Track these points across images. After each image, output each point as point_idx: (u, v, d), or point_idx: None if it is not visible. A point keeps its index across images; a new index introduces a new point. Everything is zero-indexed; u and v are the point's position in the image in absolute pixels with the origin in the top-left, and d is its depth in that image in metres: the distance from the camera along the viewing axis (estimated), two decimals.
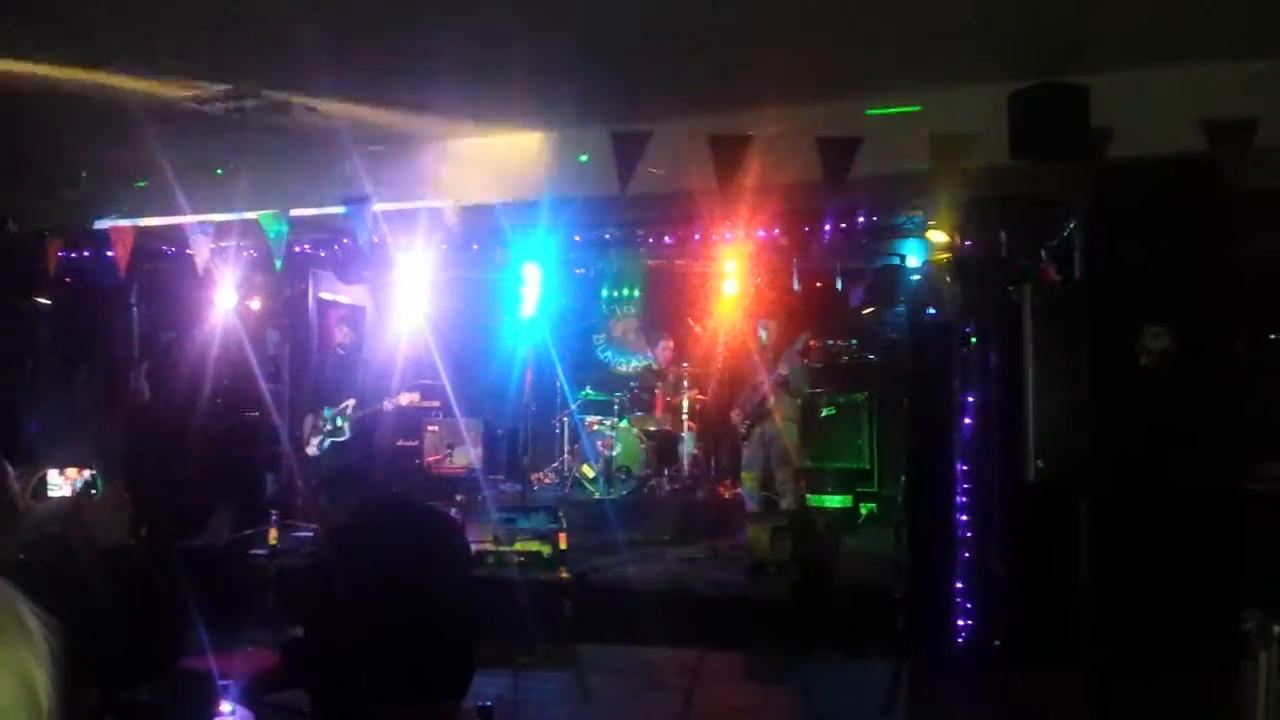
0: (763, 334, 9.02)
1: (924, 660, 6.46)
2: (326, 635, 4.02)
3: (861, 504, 10.07)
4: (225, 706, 3.96)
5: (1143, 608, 4.85)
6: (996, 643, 6.27)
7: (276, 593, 7.54)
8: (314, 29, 5.26)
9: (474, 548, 8.04)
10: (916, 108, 6.02)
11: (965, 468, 6.46)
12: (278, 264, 7.75)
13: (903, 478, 7.71)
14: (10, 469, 2.74)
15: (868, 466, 10.27)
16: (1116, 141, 5.33)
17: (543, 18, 5.16)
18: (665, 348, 11.08)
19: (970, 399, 6.41)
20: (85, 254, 8.84)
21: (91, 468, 6.45)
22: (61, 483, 6.18)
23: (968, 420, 6.43)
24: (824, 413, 10.12)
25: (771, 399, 8.79)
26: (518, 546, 8.16)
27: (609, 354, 11.98)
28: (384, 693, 3.85)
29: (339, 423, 9.19)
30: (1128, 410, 5.01)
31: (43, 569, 3.02)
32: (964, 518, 6.48)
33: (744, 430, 9.13)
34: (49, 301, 9.37)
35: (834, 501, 9.92)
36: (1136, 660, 4.86)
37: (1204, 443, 4.79)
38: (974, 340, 6.35)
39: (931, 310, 6.79)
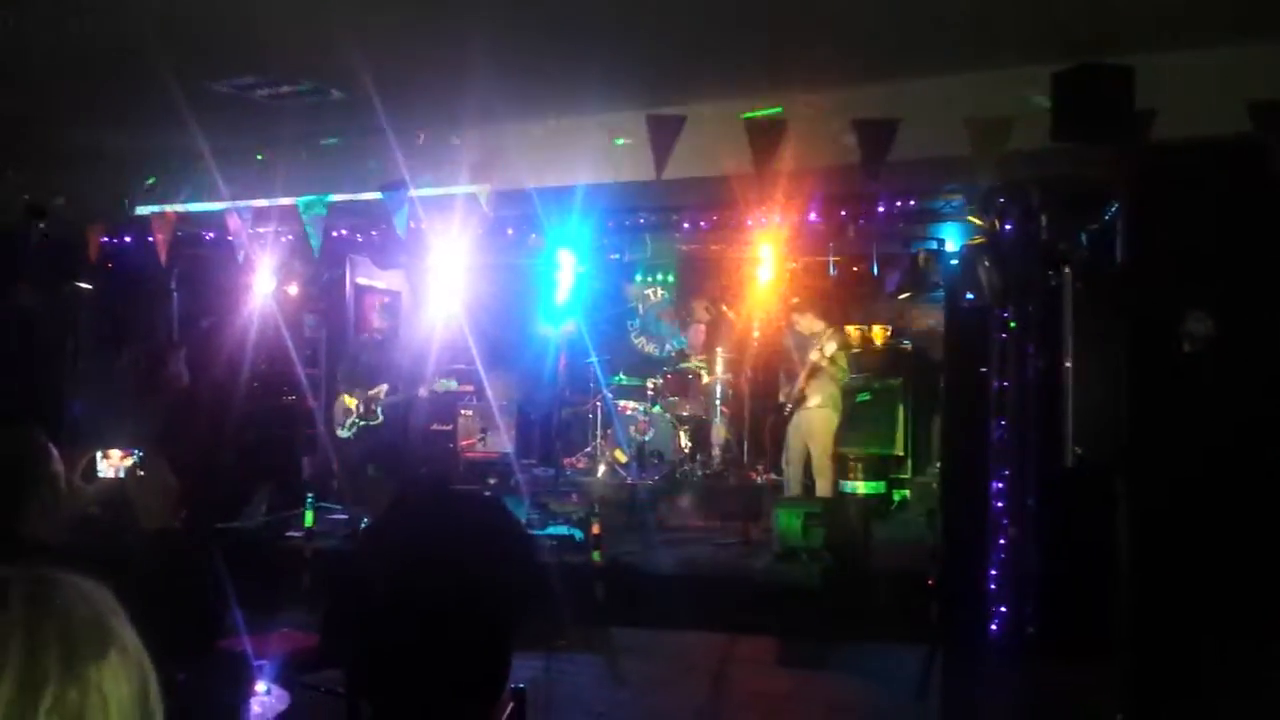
0: (817, 325, 8.90)
1: (958, 648, 6.43)
2: (363, 616, 4.03)
3: (895, 490, 10.02)
4: (261, 686, 4.00)
5: (1182, 597, 4.80)
6: (1031, 630, 6.22)
7: (312, 574, 7.62)
8: (352, 16, 5.28)
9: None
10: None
11: (1001, 454, 6.40)
12: (315, 248, 7.81)
13: (937, 464, 7.67)
14: (55, 451, 2.77)
15: (901, 453, 10.21)
16: (1161, 123, 5.24)
17: (578, 3, 5.14)
18: (698, 332, 11.05)
19: (1007, 385, 6.35)
20: (126, 240, 8.94)
21: (136, 449, 6.52)
22: (107, 465, 6.24)
23: (1004, 406, 6.38)
24: (859, 398, 10.06)
25: (814, 384, 8.74)
26: (551, 530, 8.19)
27: (642, 339, 11.98)
28: (419, 685, 3.84)
29: (358, 409, 9.24)
30: (1169, 396, 4.95)
31: (85, 551, 3.05)
32: (999, 504, 6.43)
33: (787, 414, 9.09)
34: (90, 287, 9.49)
35: (867, 488, 9.87)
36: (1174, 650, 4.81)
37: (1247, 429, 4.72)
38: (1012, 325, 6.28)
39: (969, 295, 6.72)
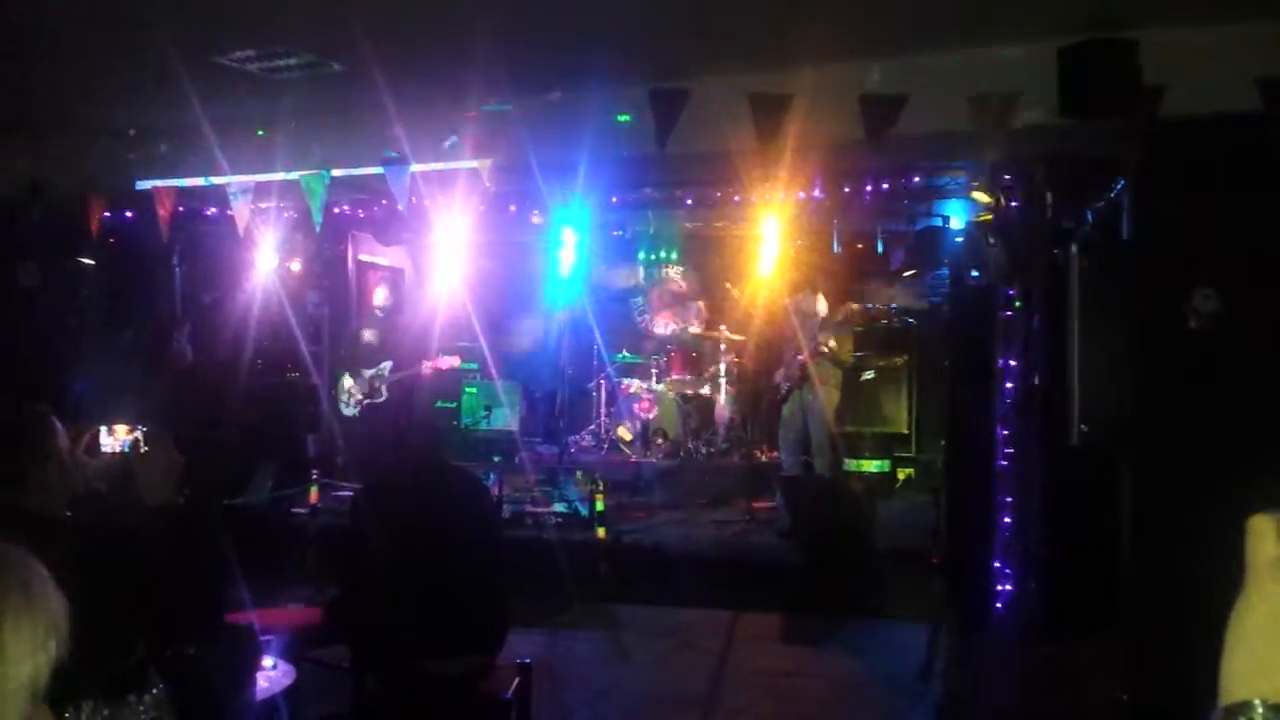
0: (820, 304, 8.87)
1: (962, 626, 6.44)
2: (363, 590, 4.09)
3: (899, 468, 10.02)
4: (268, 661, 4.01)
5: (1186, 575, 4.80)
6: (1034, 608, 6.23)
7: (317, 550, 7.64)
8: None
9: (511, 509, 8.13)
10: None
11: (1006, 432, 6.39)
12: (317, 221, 7.79)
13: (942, 442, 7.66)
14: (59, 425, 2.77)
15: (906, 431, 10.21)
16: (1168, 99, 5.20)
17: None
18: (699, 310, 11.04)
19: (1012, 362, 6.34)
20: (128, 215, 8.91)
21: (140, 426, 6.53)
22: (112, 441, 6.26)
23: (1009, 384, 6.36)
24: (863, 376, 10.05)
25: (813, 365, 8.72)
26: (555, 508, 8.20)
27: (645, 316, 11.96)
28: (421, 646, 3.90)
29: (362, 386, 9.23)
30: (1175, 374, 4.93)
31: (89, 526, 3.05)
32: (1004, 482, 6.42)
33: (784, 393, 9.09)
34: (92, 262, 9.47)
35: (872, 466, 9.88)
36: (1177, 628, 4.81)
37: (1254, 407, 4.71)
38: (1017, 303, 6.26)
39: (974, 273, 6.70)
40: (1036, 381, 6.19)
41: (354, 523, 4.39)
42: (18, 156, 8.24)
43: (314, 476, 8.37)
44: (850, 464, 9.44)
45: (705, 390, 10.72)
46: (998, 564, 6.37)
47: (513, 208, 8.70)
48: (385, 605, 3.93)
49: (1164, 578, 4.98)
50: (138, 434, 3.81)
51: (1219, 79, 5.14)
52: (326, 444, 9.92)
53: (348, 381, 9.39)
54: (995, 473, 6.40)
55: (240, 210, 7.93)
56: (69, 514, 2.90)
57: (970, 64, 5.75)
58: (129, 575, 2.56)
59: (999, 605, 6.33)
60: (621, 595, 7.32)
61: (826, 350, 8.56)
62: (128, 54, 6.27)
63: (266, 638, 4.09)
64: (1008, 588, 6.35)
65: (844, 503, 7.84)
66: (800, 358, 8.75)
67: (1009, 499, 6.34)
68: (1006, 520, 6.36)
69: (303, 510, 8.27)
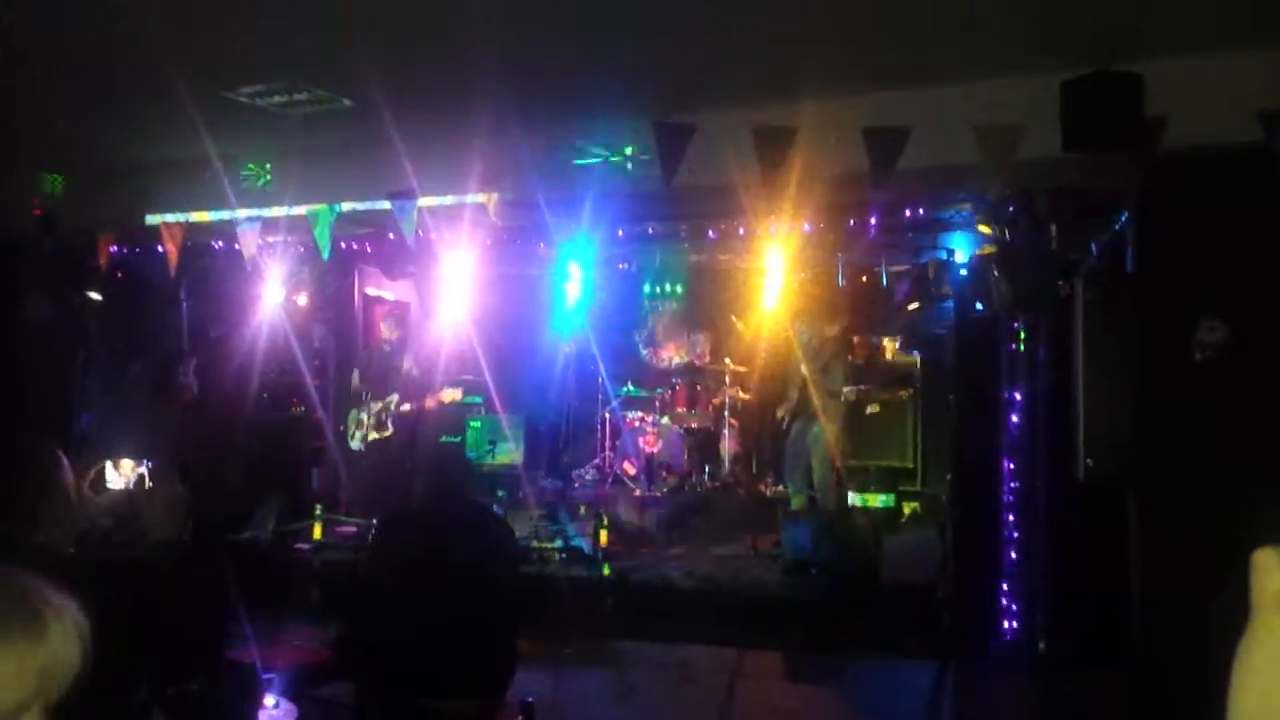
0: (805, 335, 8.94)
1: (969, 661, 6.39)
2: (372, 627, 4.06)
3: (905, 502, 9.97)
4: (269, 700, 3.98)
5: (1194, 609, 4.76)
6: (1042, 644, 6.19)
7: (320, 587, 7.60)
8: (362, 25, 5.29)
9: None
10: None
11: (1012, 466, 6.38)
12: (325, 255, 7.83)
13: (948, 476, 7.63)
14: (65, 460, 2.76)
15: (911, 465, 10.16)
16: (1171, 132, 5.22)
17: (586, 11, 5.15)
18: (703, 341, 11.04)
19: (1018, 396, 6.33)
20: (136, 249, 8.95)
21: (145, 461, 6.55)
22: (117, 476, 6.27)
23: (1015, 417, 6.35)
24: (868, 410, 10.02)
25: (814, 398, 8.72)
26: (559, 543, 8.16)
27: (649, 350, 11.96)
28: (426, 685, 3.88)
29: (368, 420, 9.22)
30: (1181, 406, 4.92)
31: (93, 562, 3.05)
32: (1010, 517, 6.40)
33: (786, 427, 9.07)
34: (100, 296, 9.50)
35: (877, 500, 9.83)
36: (1185, 664, 4.77)
37: (1262, 438, 4.69)
38: (1023, 336, 6.26)
39: (979, 305, 6.70)
40: (1042, 414, 6.18)
41: (369, 556, 4.36)
42: (28, 191, 8.30)
43: (318, 512, 8.34)
44: (855, 498, 9.39)
45: (710, 424, 10.69)
46: (1004, 599, 6.33)
47: (519, 241, 8.74)
48: (393, 642, 3.91)
49: (1172, 611, 4.95)
50: (142, 469, 3.82)
51: (1221, 111, 5.16)
52: (331, 479, 9.90)
53: (360, 415, 9.38)
54: (1002, 506, 6.37)
55: (248, 244, 7.97)
56: (74, 550, 2.90)
57: (974, 97, 5.78)
58: (132, 611, 2.55)
59: (1006, 640, 6.29)
60: (625, 631, 7.26)
61: (815, 381, 8.56)
62: (139, 89, 6.33)
63: (268, 675, 4.07)
64: (1014, 623, 6.31)
65: (849, 537, 7.80)
66: (797, 391, 8.76)
67: (1015, 533, 6.31)
68: (1013, 555, 6.33)
69: (306, 546, 8.24)
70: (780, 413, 9.14)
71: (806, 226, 7.53)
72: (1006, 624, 6.31)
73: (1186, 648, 4.76)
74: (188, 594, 3.08)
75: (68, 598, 1.33)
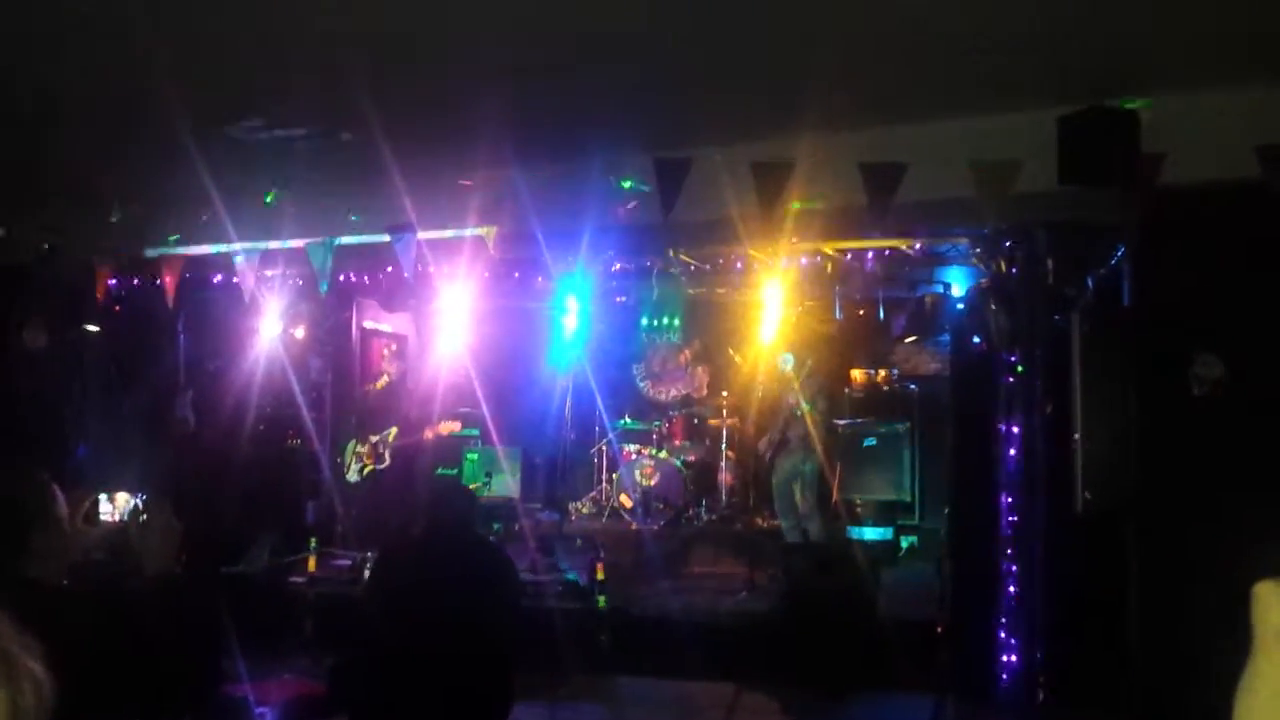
0: (788, 364, 8.96)
1: (967, 696, 6.35)
2: (368, 659, 4.03)
3: (902, 536, 9.94)
4: None
5: (1193, 642, 4.74)
6: (1040, 678, 6.15)
7: (315, 620, 7.55)
8: (361, 61, 5.32)
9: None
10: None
11: (1010, 499, 6.36)
12: (323, 288, 7.84)
13: (945, 510, 7.62)
14: (59, 493, 2.75)
15: (909, 498, 10.14)
16: (1168, 167, 5.25)
17: (585, 48, 5.19)
18: (700, 373, 11.05)
19: (1015, 429, 6.32)
20: (134, 282, 8.96)
21: (140, 493, 6.51)
22: (112, 509, 6.23)
23: (1013, 451, 6.34)
24: (865, 443, 10.01)
25: (804, 430, 8.71)
26: (555, 576, 8.12)
27: (647, 382, 11.96)
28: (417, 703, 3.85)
29: (366, 453, 9.20)
30: (1179, 441, 4.92)
31: (86, 595, 3.02)
32: (1009, 551, 6.37)
33: (768, 461, 9.08)
34: (97, 329, 9.50)
35: (874, 533, 9.80)
36: (1186, 697, 4.74)
37: (1260, 472, 4.69)
38: (1019, 369, 6.26)
39: (976, 339, 6.71)
40: (1040, 447, 6.17)
41: (367, 589, 4.34)
42: (28, 223, 8.32)
43: (313, 544, 8.30)
44: (853, 531, 9.37)
45: (707, 456, 10.67)
46: (1003, 633, 6.29)
47: (516, 274, 8.75)
48: (388, 676, 3.87)
49: (1171, 645, 4.93)
50: (137, 501, 3.79)
51: (1217, 147, 5.19)
52: (326, 511, 9.86)
53: (357, 448, 9.36)
54: (1000, 540, 6.35)
55: (246, 277, 7.98)
56: (66, 582, 2.87)
57: (970, 132, 5.81)
58: (125, 645, 2.53)
59: (1005, 675, 6.25)
60: (622, 666, 7.21)
61: (809, 414, 8.57)
62: (139, 123, 6.35)
63: (261, 710, 4.03)
64: (1013, 658, 6.27)
65: (846, 571, 7.76)
66: (780, 422, 8.76)
67: (1014, 567, 6.29)
68: (1012, 589, 6.30)
69: (301, 579, 8.19)
70: (763, 447, 9.14)
71: (804, 260, 7.56)
72: (1005, 659, 6.27)
73: (1186, 681, 4.74)
74: (180, 628, 3.05)
75: (31, 640, 1.31)
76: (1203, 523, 4.85)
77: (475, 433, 10.75)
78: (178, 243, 8.18)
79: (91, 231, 8.34)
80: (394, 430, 9.25)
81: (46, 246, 8.25)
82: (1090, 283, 5.90)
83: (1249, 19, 4.65)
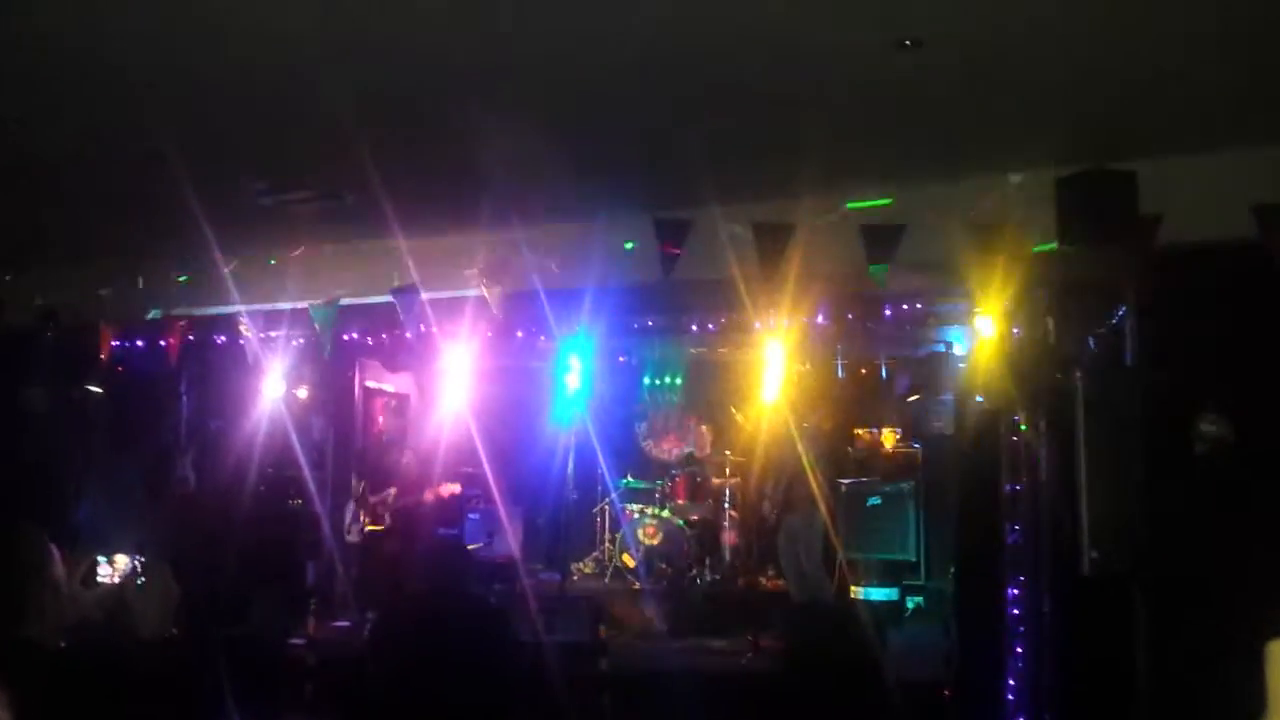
0: (804, 428, 8.94)
1: None
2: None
3: (908, 596, 9.85)
4: None
5: (1202, 702, 4.68)
6: None
7: (315, 682, 7.47)
8: (363, 125, 5.39)
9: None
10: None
11: (1016, 560, 6.31)
12: (327, 351, 7.86)
13: (951, 570, 7.56)
14: (57, 553, 2.73)
15: (914, 558, 10.06)
16: (1166, 227, 5.29)
17: (587, 109, 5.26)
18: (702, 433, 11.03)
19: (1020, 488, 6.29)
20: (137, 343, 8.98)
21: (139, 555, 6.48)
22: (110, 571, 6.19)
23: (1018, 510, 6.30)
24: (869, 502, 9.96)
25: (807, 490, 8.68)
26: (557, 638, 8.04)
27: (649, 441, 11.93)
28: None
29: (362, 514, 9.17)
30: (1184, 499, 4.90)
31: (83, 657, 3.00)
32: (1015, 611, 6.31)
33: (772, 521, 9.03)
34: (100, 390, 9.51)
35: (879, 594, 9.70)
36: None
37: (1264, 531, 4.66)
38: (1023, 428, 6.25)
39: (979, 398, 6.70)
40: (1046, 508, 6.14)
41: (367, 651, 4.30)
42: (31, 285, 8.37)
43: (313, 606, 8.23)
44: (857, 591, 9.28)
45: (710, 516, 10.61)
46: (1011, 696, 6.21)
47: (519, 334, 8.78)
48: None
49: (1181, 705, 4.87)
50: (135, 564, 3.78)
51: (1215, 207, 5.24)
52: (327, 572, 9.79)
53: (357, 509, 9.32)
54: (1007, 602, 6.29)
55: (249, 339, 8.02)
56: (63, 644, 2.85)
57: (970, 192, 5.87)
58: (119, 709, 2.50)
59: None
60: None
61: (813, 474, 8.57)
62: (142, 186, 6.42)
63: None
64: (1021, 719, 6.19)
65: (851, 632, 7.68)
66: (784, 482, 8.73)
67: (1021, 628, 6.22)
68: (1019, 649, 6.23)
69: (300, 641, 8.11)
70: (766, 508, 9.10)
71: (805, 319, 7.58)
72: None
73: None
74: (178, 691, 3.02)
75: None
76: (1211, 582, 4.82)
77: (477, 493, 10.70)
78: (180, 304, 8.22)
79: (94, 293, 8.39)
80: (393, 491, 9.21)
81: (48, 308, 8.28)
82: (1092, 342, 5.90)
83: (1244, 82, 4.72)
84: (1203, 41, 4.40)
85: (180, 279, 8.26)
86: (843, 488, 9.60)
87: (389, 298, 7.33)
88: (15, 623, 2.50)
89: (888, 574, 9.78)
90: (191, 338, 8.45)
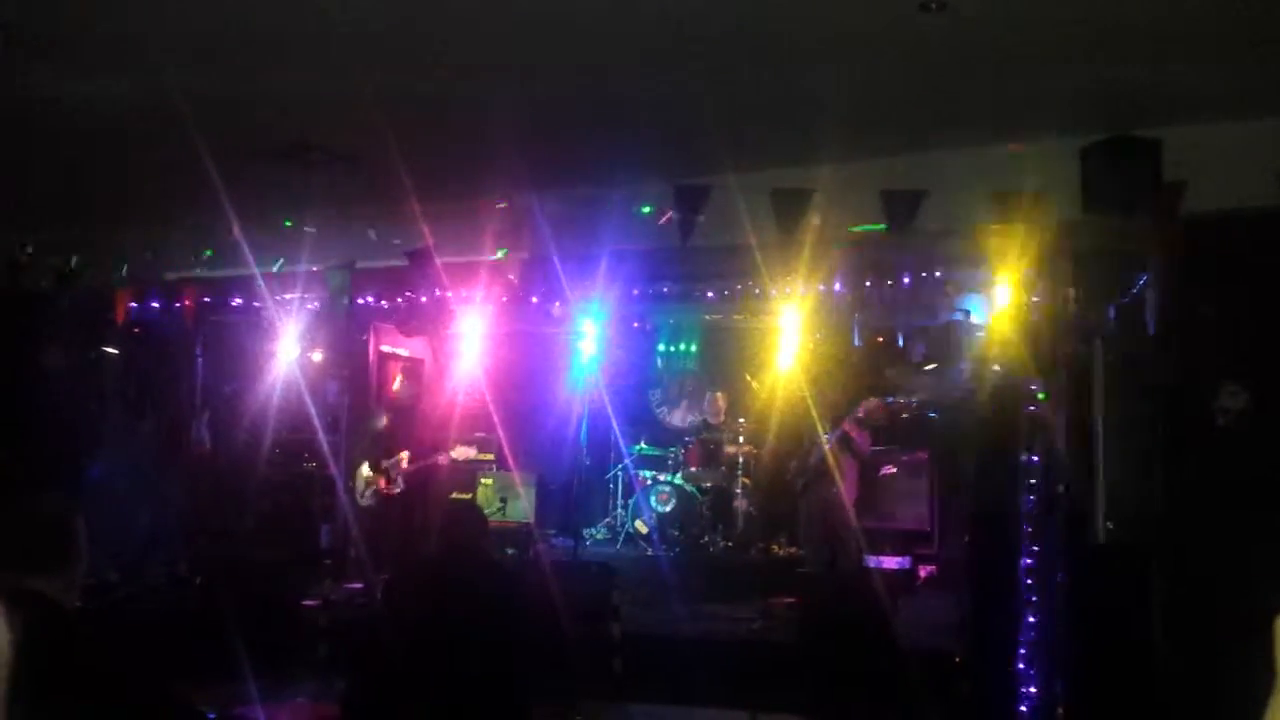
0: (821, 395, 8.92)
1: None
2: (380, 686, 4.00)
3: (921, 565, 9.85)
4: None
5: (1217, 674, 4.68)
6: (1060, 710, 6.07)
7: (328, 643, 7.52)
8: (380, 89, 5.36)
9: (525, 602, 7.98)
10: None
11: (1030, 529, 6.29)
12: (341, 313, 7.86)
13: (965, 539, 7.55)
14: (83, 525, 2.75)
15: (928, 528, 10.06)
16: (1190, 195, 5.23)
17: (606, 75, 5.21)
18: (716, 400, 11.01)
19: (1036, 459, 6.26)
20: (154, 305, 9.00)
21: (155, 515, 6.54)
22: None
23: (1034, 480, 6.28)
24: (883, 471, 9.95)
25: (830, 459, 8.66)
26: (569, 602, 8.06)
27: (663, 408, 11.92)
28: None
29: (379, 477, 9.19)
30: (1203, 470, 4.87)
31: (99, 615, 3.02)
32: (1029, 581, 6.30)
33: (799, 488, 9.01)
34: (116, 351, 9.54)
35: (892, 562, 9.71)
36: None
37: None
38: (1042, 398, 6.21)
39: (997, 367, 6.66)
40: (1062, 478, 6.11)
41: (379, 613, 4.31)
42: (49, 247, 8.38)
43: (327, 567, 8.28)
44: (872, 560, 9.28)
45: (723, 483, 10.62)
46: (1023, 665, 6.22)
47: (535, 299, 8.75)
48: (401, 700, 3.84)
49: (1194, 677, 4.86)
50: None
51: (1239, 175, 5.17)
52: (341, 535, 9.84)
53: (365, 471, 9.35)
54: (1021, 571, 6.28)
55: (265, 302, 8.02)
56: (80, 604, 2.87)
57: (992, 160, 5.81)
58: (132, 672, 2.51)
59: (1025, 707, 6.17)
60: (635, 693, 7.15)
61: (841, 439, 8.55)
62: (161, 151, 6.40)
63: None
64: (1033, 689, 6.19)
65: (864, 599, 7.69)
66: (815, 451, 8.70)
67: (1034, 598, 6.22)
68: (1032, 619, 6.22)
69: (314, 602, 8.17)
70: (791, 473, 9.08)
71: (822, 287, 7.53)
72: (1025, 690, 6.19)
73: (1210, 713, 4.67)
74: (189, 657, 3.04)
75: None
76: (1226, 553, 4.79)
77: (491, 457, 10.72)
78: (198, 266, 8.23)
79: (111, 255, 8.40)
80: (405, 455, 9.23)
81: (69, 269, 8.29)
82: (1113, 311, 5.86)
83: (1270, 50, 4.64)
84: (1229, 7, 4.33)
85: (206, 253, 8.26)
86: (860, 456, 9.57)
87: (404, 261, 7.32)
88: (46, 583, 2.51)
89: (901, 543, 9.79)
90: (207, 300, 8.46)
